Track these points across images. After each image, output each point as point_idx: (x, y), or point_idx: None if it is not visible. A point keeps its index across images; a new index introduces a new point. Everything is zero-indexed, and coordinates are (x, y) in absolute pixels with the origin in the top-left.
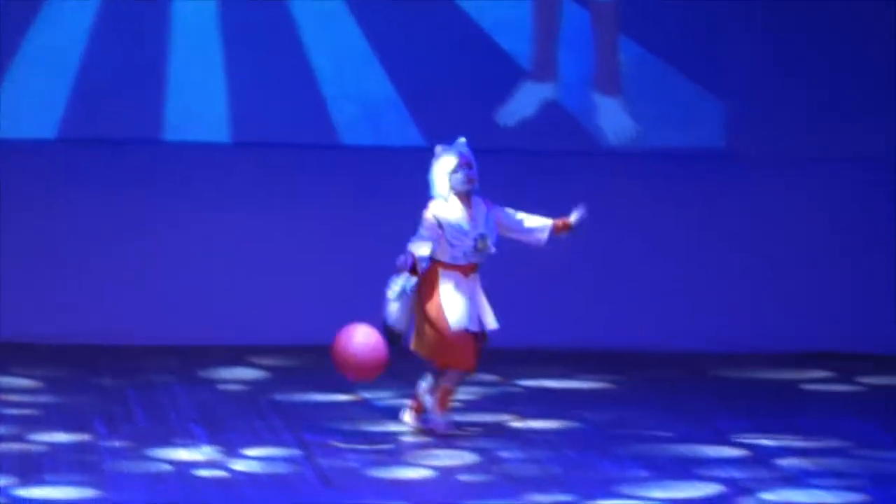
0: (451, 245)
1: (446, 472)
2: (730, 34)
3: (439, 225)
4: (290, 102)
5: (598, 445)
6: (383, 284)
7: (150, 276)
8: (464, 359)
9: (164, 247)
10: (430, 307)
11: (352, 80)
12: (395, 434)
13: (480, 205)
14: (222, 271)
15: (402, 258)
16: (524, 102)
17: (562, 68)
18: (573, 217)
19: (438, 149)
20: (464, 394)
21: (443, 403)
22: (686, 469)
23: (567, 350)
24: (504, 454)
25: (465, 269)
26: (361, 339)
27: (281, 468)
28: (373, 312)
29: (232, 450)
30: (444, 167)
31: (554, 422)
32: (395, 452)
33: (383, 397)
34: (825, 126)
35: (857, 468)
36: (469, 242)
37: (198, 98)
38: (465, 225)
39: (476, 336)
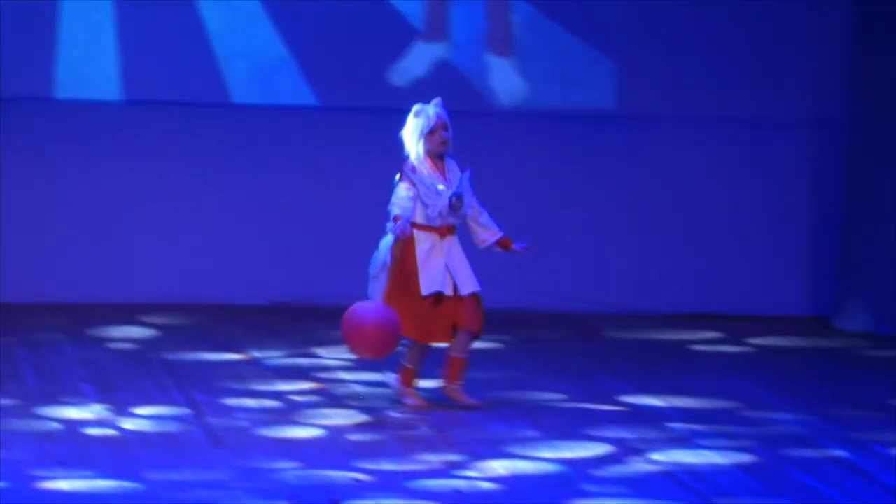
0: (426, 205)
1: (336, 432)
2: None
3: (413, 185)
4: (182, 61)
5: (488, 405)
6: (275, 242)
7: (38, 233)
8: (424, 330)
9: (52, 205)
10: (404, 271)
11: (243, 39)
12: (284, 393)
13: (454, 166)
14: (112, 229)
15: (399, 226)
16: (416, 62)
17: (454, 28)
18: (517, 247)
19: (415, 108)
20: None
21: (405, 380)
22: (575, 429)
23: None
24: (394, 414)
25: (442, 231)
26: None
27: (170, 427)
28: (262, 270)
29: (121, 408)
30: (419, 127)
31: (442, 381)
32: (285, 412)
33: (273, 356)
34: (716, 86)
35: (746, 429)
36: (444, 202)
37: (88, 56)
38: (440, 185)
39: (455, 301)
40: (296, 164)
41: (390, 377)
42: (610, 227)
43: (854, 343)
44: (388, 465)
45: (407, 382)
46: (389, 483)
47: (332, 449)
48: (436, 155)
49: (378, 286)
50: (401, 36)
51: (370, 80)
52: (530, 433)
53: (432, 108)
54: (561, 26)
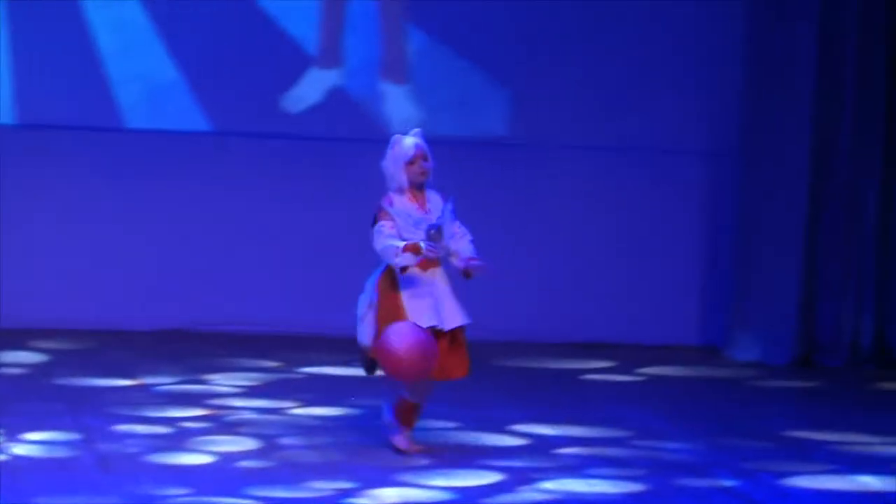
0: (404, 239)
1: (227, 459)
2: (514, 24)
3: (392, 218)
4: (75, 84)
5: (379, 433)
6: (169, 267)
7: None
8: (408, 368)
9: None
10: (391, 311)
11: (136, 63)
12: (176, 419)
13: (436, 197)
14: (1, 254)
15: (401, 259)
16: (310, 89)
17: (348, 55)
18: (475, 270)
19: (393, 138)
20: (245, 380)
21: (404, 420)
22: (467, 458)
23: (348, 337)
24: (285, 441)
25: (423, 265)
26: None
27: (61, 452)
28: (155, 296)
29: (12, 434)
30: (399, 157)
31: (335, 409)
32: (176, 438)
33: (165, 382)
34: (610, 115)
35: (637, 458)
36: (421, 235)
37: None
38: (418, 216)
39: (443, 336)
40: (187, 189)
41: (386, 414)
42: (503, 255)
43: (744, 373)
44: (279, 493)
45: (405, 421)
46: None
47: (223, 476)
48: (416, 186)
49: (366, 327)
50: (295, 62)
51: (264, 106)
52: (422, 461)
53: (410, 139)
54: (455, 54)
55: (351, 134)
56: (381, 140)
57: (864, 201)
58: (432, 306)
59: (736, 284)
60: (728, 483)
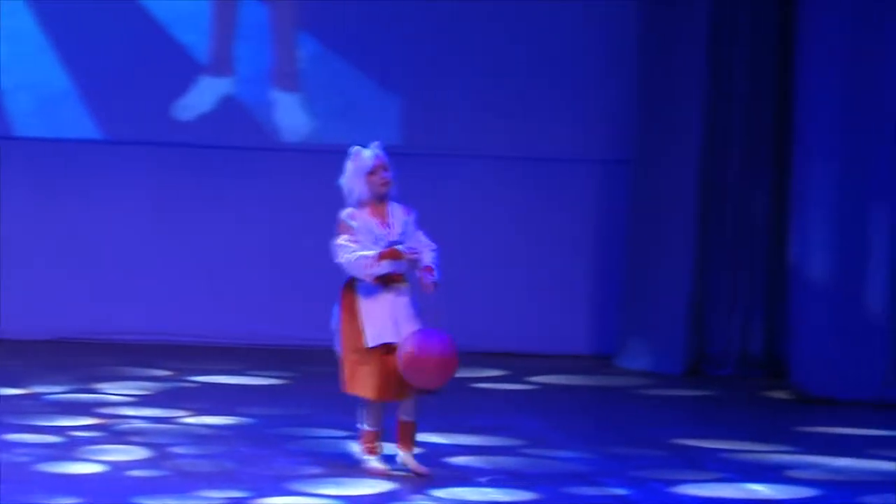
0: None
1: (117, 468)
2: (406, 32)
3: (353, 232)
4: None
5: (271, 441)
6: (53, 278)
7: None
8: (370, 384)
9: None
10: (351, 325)
11: (27, 71)
12: (66, 428)
13: (398, 210)
14: None
15: (378, 268)
16: (201, 97)
17: (239, 63)
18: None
19: (353, 150)
20: (135, 389)
21: (366, 444)
22: (358, 466)
23: (239, 345)
24: (176, 449)
25: (385, 280)
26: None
27: None
28: (45, 305)
29: None
30: (359, 169)
31: (226, 417)
32: (66, 447)
33: (55, 391)
34: (503, 123)
35: (528, 466)
36: (381, 248)
37: None
38: (379, 232)
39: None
40: (78, 197)
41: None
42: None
43: (635, 381)
44: (170, 502)
45: (370, 447)
46: None
47: (114, 485)
48: (377, 198)
49: (338, 340)
50: (186, 70)
51: (155, 114)
52: (314, 469)
53: (369, 150)
54: (346, 63)
55: (242, 142)
56: (272, 149)
57: (754, 211)
58: (390, 321)
59: (627, 294)
60: (619, 491)
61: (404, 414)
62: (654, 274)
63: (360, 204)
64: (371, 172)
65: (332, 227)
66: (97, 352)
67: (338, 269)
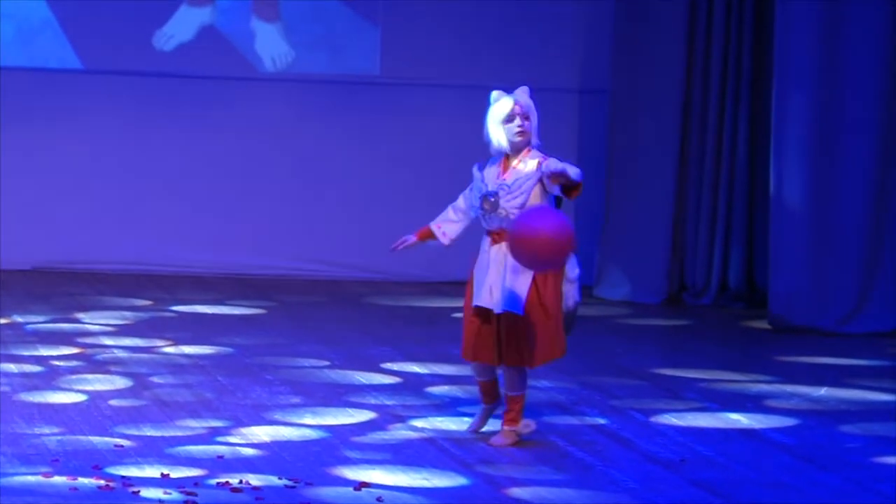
0: (471, 207)
1: (97, 397)
2: None
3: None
4: None
5: (250, 371)
6: (32, 208)
7: None
8: (468, 345)
9: None
10: (470, 280)
11: (7, 2)
12: (46, 358)
13: (533, 163)
14: None
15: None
16: (181, 27)
17: None
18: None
19: (494, 94)
20: (115, 319)
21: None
22: (338, 395)
23: (217, 275)
24: (156, 379)
25: (494, 237)
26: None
27: None
28: (24, 235)
29: None
30: (497, 115)
31: (206, 347)
32: (47, 377)
33: (35, 321)
34: (481, 54)
35: None
36: (477, 200)
37: None
38: (487, 181)
39: (496, 318)
40: (58, 127)
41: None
42: (374, 193)
43: (615, 311)
44: (150, 431)
45: (487, 401)
46: (151, 449)
47: (94, 414)
48: (515, 147)
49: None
50: (166, 0)
51: (135, 44)
52: (293, 399)
53: (509, 97)
54: None
55: (222, 72)
56: (252, 78)
57: (735, 142)
58: (487, 284)
59: (607, 224)
60: (598, 420)
61: (503, 387)
62: (633, 205)
63: (499, 153)
64: (506, 120)
65: (309, 155)
66: (77, 281)
67: (317, 197)
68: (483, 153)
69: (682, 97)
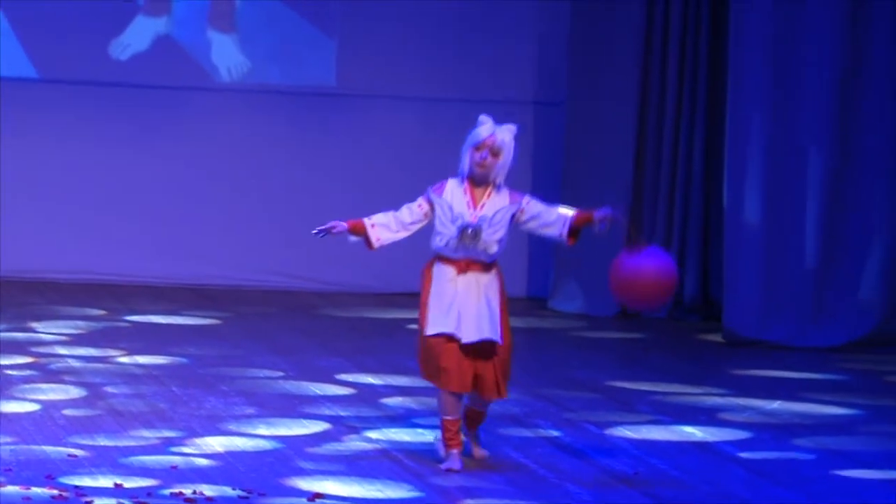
0: (437, 232)
1: (51, 407)
2: None
3: (431, 205)
4: None
5: (204, 381)
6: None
7: None
8: (442, 373)
9: None
10: (421, 307)
11: None
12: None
13: (503, 197)
14: None
15: (328, 226)
16: (137, 36)
17: (175, 3)
18: (599, 215)
19: (482, 118)
20: (70, 328)
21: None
22: (292, 406)
23: (172, 285)
24: (110, 389)
25: (460, 266)
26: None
27: None
28: None
29: None
30: (471, 137)
31: (160, 357)
32: (0, 386)
33: None
34: (437, 67)
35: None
36: (453, 231)
37: None
38: (458, 209)
39: (472, 348)
40: (11, 135)
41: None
42: (330, 205)
43: (569, 324)
44: (103, 441)
45: (453, 443)
46: (105, 458)
47: (48, 424)
48: (475, 177)
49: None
50: (122, 10)
51: (91, 53)
52: (247, 410)
53: (490, 126)
54: (282, 3)
55: (178, 82)
56: (207, 88)
57: (690, 156)
58: (454, 312)
59: None
60: (552, 433)
61: (470, 402)
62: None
63: (463, 176)
64: (476, 147)
65: (265, 166)
66: (30, 291)
67: (272, 207)
68: (437, 165)
69: (637, 110)
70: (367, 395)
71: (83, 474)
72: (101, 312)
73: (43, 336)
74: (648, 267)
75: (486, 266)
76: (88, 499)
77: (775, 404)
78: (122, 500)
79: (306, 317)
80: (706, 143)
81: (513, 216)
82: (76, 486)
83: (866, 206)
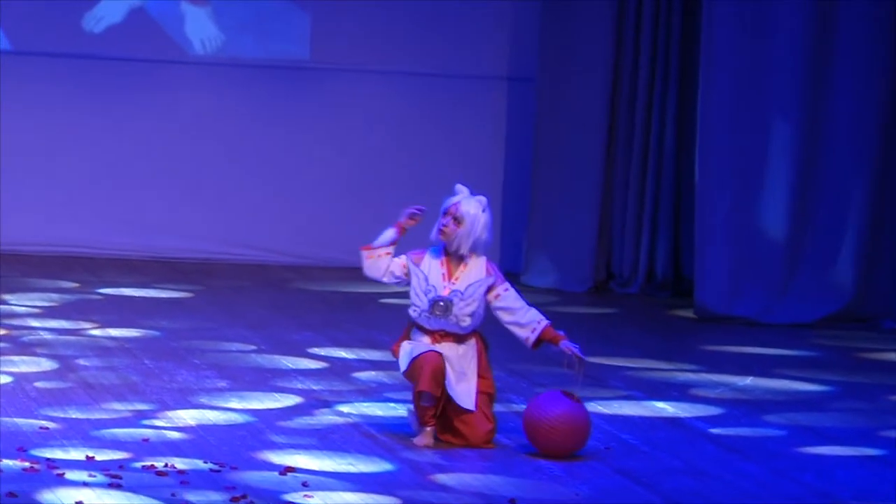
0: (412, 302)
1: (23, 379)
2: None
3: (407, 271)
4: None
5: (176, 354)
6: None
7: None
8: (422, 375)
9: None
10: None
11: None
12: None
13: (479, 270)
14: None
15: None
16: (111, 9)
17: None
18: (564, 346)
19: (458, 186)
20: (42, 301)
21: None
22: (264, 380)
23: (145, 258)
24: (82, 362)
25: (435, 337)
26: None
27: None
28: None
29: None
30: (442, 206)
31: (132, 330)
32: None
33: None
34: (410, 41)
35: None
36: (425, 303)
37: None
38: (433, 281)
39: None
40: None
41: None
42: (302, 178)
43: (541, 299)
44: (75, 414)
45: (426, 420)
46: (76, 431)
47: (19, 396)
48: (447, 248)
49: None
50: None
51: (65, 25)
52: (219, 383)
53: (463, 196)
54: None
55: (151, 55)
56: (181, 62)
57: (663, 130)
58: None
59: (534, 211)
60: (523, 408)
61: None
62: (561, 192)
63: (440, 248)
64: (442, 213)
65: (238, 139)
66: (3, 263)
67: (245, 181)
68: (410, 140)
69: (610, 86)
70: (339, 368)
71: (55, 447)
72: (74, 285)
73: (15, 308)
74: (565, 416)
75: (460, 337)
76: (60, 471)
77: (747, 380)
78: (93, 473)
79: (278, 290)
80: (678, 119)
81: (488, 289)
82: (48, 459)
83: (838, 185)
